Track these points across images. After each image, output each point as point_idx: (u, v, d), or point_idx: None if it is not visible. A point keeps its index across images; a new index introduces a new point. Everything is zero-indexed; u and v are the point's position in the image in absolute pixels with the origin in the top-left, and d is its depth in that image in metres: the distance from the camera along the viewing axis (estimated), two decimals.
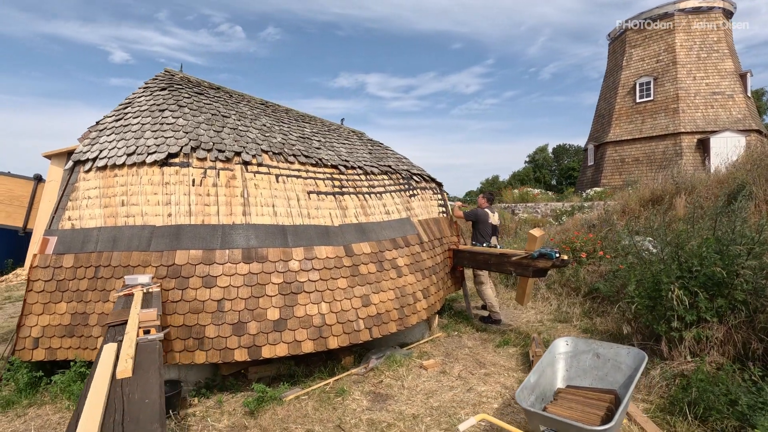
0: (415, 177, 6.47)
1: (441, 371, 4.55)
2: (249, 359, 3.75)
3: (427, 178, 6.81)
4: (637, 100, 20.55)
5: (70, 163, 4.47)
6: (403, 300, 4.70)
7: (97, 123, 4.80)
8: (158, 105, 4.75)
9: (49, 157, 4.76)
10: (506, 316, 6.57)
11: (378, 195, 5.40)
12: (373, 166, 5.80)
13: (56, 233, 4.23)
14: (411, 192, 6.11)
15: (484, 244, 6.12)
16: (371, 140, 7.33)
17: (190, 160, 4.23)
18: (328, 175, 5.01)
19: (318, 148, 5.38)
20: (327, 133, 6.32)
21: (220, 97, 5.50)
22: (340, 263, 4.36)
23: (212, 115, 4.85)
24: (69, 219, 4.26)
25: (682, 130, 18.70)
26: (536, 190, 21.70)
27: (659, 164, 19.14)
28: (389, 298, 4.56)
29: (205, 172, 4.20)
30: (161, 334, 2.24)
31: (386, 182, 5.77)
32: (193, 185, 4.12)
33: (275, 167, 4.59)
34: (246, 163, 4.42)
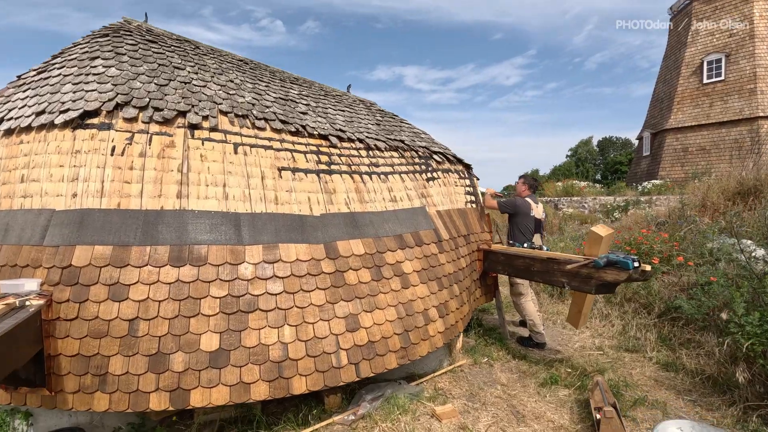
0: (435, 156, 5.07)
1: (460, 426, 3.19)
2: (171, 408, 2.54)
3: (452, 159, 5.39)
4: (704, 81, 17.94)
5: None
6: (410, 321, 3.36)
7: (19, 77, 3.72)
8: (91, 53, 3.61)
9: None
10: (552, 337, 5.08)
11: (382, 176, 4.05)
12: (378, 140, 4.45)
13: None
14: (429, 175, 4.72)
15: (525, 245, 4.64)
16: (382, 110, 5.97)
17: (113, 121, 3.05)
18: (314, 148, 3.71)
19: (303, 113, 4.09)
20: (322, 97, 5.02)
21: (180, 47, 4.31)
22: (316, 268, 3.07)
23: (159, 65, 3.66)
24: None
25: (761, 114, 16.04)
26: (582, 183, 19.56)
27: (730, 154, 16.59)
28: (388, 319, 3.23)
29: (131, 138, 3.01)
30: None
31: (395, 161, 4.41)
32: (112, 154, 2.94)
33: (235, 134, 3.34)
34: (193, 127, 3.20)
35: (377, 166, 4.11)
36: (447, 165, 5.20)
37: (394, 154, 4.50)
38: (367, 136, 4.34)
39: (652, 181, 16.44)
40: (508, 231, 5.08)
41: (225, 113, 3.44)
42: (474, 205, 5.31)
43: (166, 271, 2.70)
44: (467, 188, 5.34)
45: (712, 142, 17.27)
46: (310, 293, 2.96)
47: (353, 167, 3.85)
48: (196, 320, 2.65)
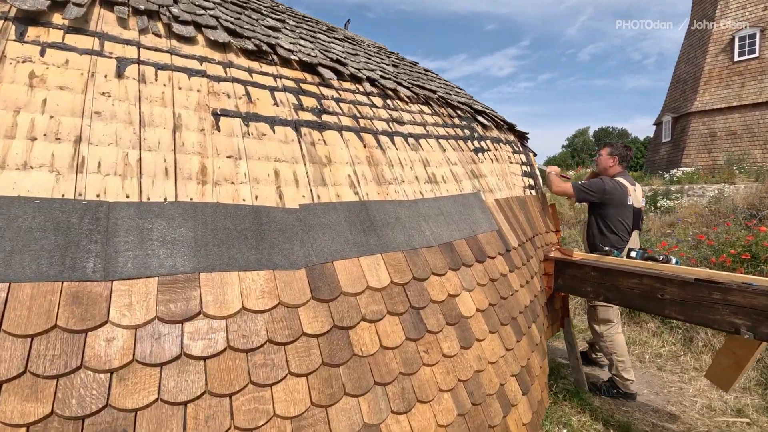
0: (480, 118, 3.38)
1: None
2: None
3: (501, 123, 3.69)
4: (736, 59, 16.31)
5: None
6: (479, 416, 1.70)
7: None
8: None
9: None
10: (648, 385, 3.47)
11: (411, 141, 2.36)
12: (399, 84, 2.75)
13: None
14: (476, 144, 3.04)
15: (633, 253, 2.98)
16: (397, 54, 4.22)
17: None
18: (290, 84, 2.01)
19: (273, 29, 2.38)
20: (306, 21, 3.29)
21: None
22: (290, 327, 1.38)
23: None
24: None
25: None
26: None
27: (766, 138, 15.06)
28: (441, 423, 1.57)
29: None
30: None
31: (428, 119, 2.72)
32: None
33: (126, 42, 1.63)
34: (27, 20, 1.48)
35: (401, 123, 2.42)
36: (496, 132, 3.51)
37: (425, 109, 2.80)
38: (382, 76, 2.64)
39: (682, 168, 14.88)
40: (589, 229, 3.43)
41: (108, 4, 1.72)
42: (533, 192, 3.64)
43: None
44: (524, 166, 3.66)
45: (745, 125, 15.71)
46: (271, 389, 1.28)
47: (362, 121, 2.15)
48: None
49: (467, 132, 3.03)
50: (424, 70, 3.92)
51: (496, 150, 3.28)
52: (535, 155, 3.98)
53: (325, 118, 1.99)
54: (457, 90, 3.81)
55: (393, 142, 2.22)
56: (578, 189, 3.34)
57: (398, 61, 3.69)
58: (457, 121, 3.04)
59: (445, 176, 2.39)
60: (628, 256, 2.90)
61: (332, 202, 1.72)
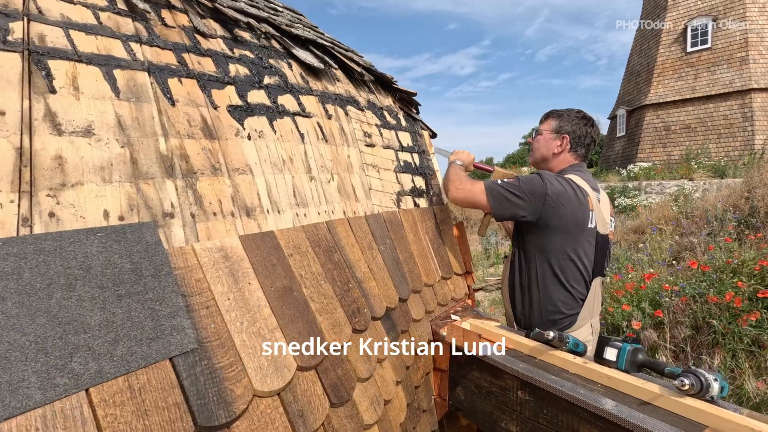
0: (303, 53, 1.64)
1: None
2: None
3: (360, 70, 1.96)
4: (689, 50, 15.66)
5: None
6: None
7: None
8: None
9: None
10: None
11: None
12: None
13: None
14: (263, 102, 1.31)
15: (610, 353, 1.29)
16: None
17: None
18: None
19: None
20: None
21: None
22: None
23: None
24: None
25: (754, 86, 13.92)
26: None
27: (720, 132, 14.46)
28: None
29: None
30: None
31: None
32: None
33: None
34: None
35: None
36: (344, 86, 1.79)
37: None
38: None
39: (639, 164, 13.98)
40: (513, 275, 1.78)
41: None
42: (423, 200, 1.96)
43: None
44: (405, 154, 1.97)
45: (698, 119, 15.07)
46: None
47: None
48: None
49: (244, 70, 1.30)
50: None
51: (333, 118, 1.57)
52: (433, 136, 2.31)
53: None
54: (282, 9, 2.07)
55: None
56: (495, 194, 1.67)
57: None
58: (212, 44, 1.30)
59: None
60: (599, 357, 1.27)
61: None
